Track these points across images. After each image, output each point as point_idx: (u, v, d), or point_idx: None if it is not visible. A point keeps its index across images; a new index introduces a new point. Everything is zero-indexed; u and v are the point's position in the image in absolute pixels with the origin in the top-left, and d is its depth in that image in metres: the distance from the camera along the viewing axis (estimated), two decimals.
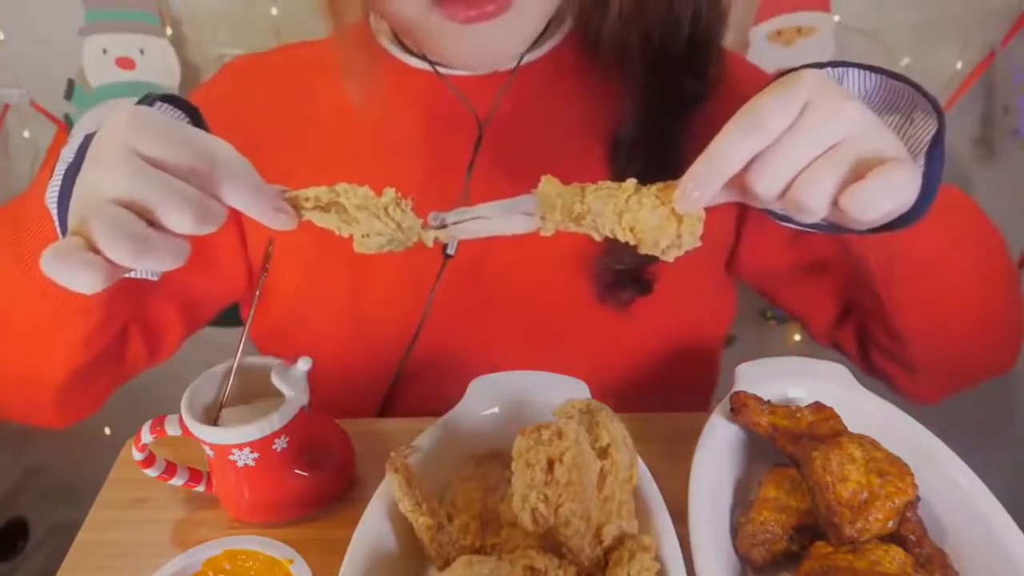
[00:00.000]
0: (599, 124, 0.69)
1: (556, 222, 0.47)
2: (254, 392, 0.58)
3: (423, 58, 0.71)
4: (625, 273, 0.68)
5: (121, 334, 0.69)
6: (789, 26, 1.20)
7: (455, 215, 0.49)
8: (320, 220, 0.47)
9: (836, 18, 1.20)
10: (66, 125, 1.25)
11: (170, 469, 0.58)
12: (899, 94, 0.52)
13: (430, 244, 0.49)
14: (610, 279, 0.68)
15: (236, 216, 0.72)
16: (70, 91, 1.24)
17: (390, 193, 0.47)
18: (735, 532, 0.51)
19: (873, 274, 0.60)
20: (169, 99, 0.52)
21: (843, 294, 0.72)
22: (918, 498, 0.49)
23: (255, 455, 0.54)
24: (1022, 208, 1.27)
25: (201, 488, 0.59)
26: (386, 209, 0.46)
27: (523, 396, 0.58)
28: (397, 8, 0.62)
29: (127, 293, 0.60)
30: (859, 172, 0.42)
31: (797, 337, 1.40)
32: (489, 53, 0.66)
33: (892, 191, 0.42)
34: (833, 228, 0.51)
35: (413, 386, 0.72)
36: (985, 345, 0.68)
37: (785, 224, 0.53)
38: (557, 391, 0.56)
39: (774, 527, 0.50)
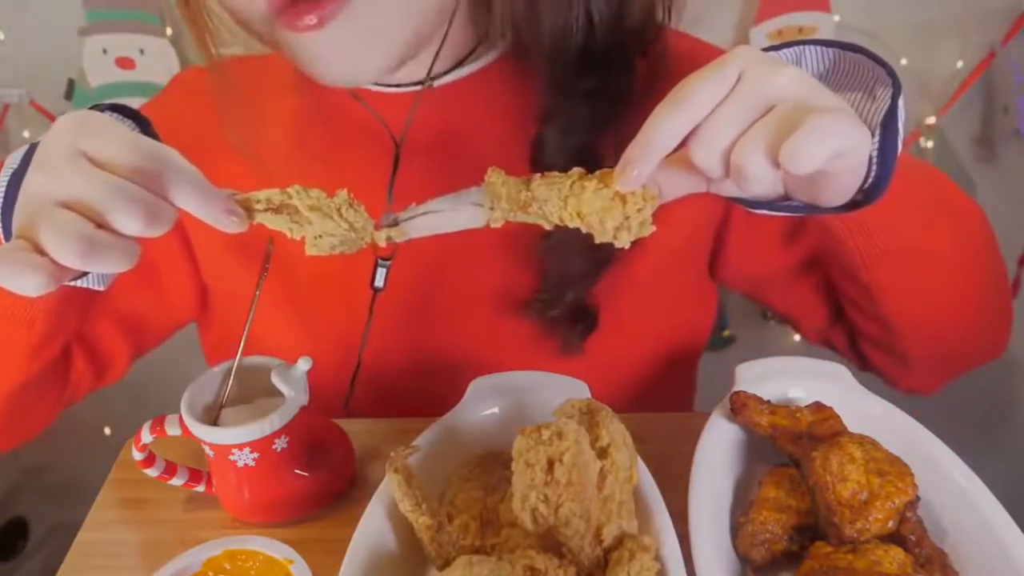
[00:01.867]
0: (525, 144, 0.66)
1: (504, 211, 0.47)
2: (254, 392, 0.58)
3: None
4: (562, 317, 0.66)
5: (65, 354, 0.68)
6: (789, 26, 1.20)
7: (406, 212, 0.48)
8: (271, 222, 0.47)
9: (836, 18, 1.20)
10: None
11: (170, 469, 0.58)
12: (857, 68, 0.50)
13: (383, 243, 0.49)
14: (547, 324, 0.67)
15: (184, 240, 0.72)
16: (70, 91, 1.24)
17: (343, 194, 0.47)
18: (735, 532, 0.51)
19: (853, 257, 0.60)
20: (119, 109, 0.52)
21: (833, 294, 0.72)
22: (918, 498, 0.49)
23: (255, 455, 0.54)
24: (1022, 208, 1.27)
25: (201, 488, 0.59)
26: (339, 210, 0.46)
27: (523, 396, 0.58)
28: (246, 22, 0.59)
29: (72, 305, 0.60)
30: (790, 132, 0.41)
31: (797, 337, 1.40)
32: (340, 63, 0.59)
33: (824, 138, 0.40)
34: (808, 209, 0.51)
35: (362, 411, 0.72)
36: (973, 326, 0.67)
37: (762, 212, 0.52)
38: (557, 391, 0.56)
39: (774, 527, 0.50)
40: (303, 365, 0.56)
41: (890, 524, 0.48)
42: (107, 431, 1.43)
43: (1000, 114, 1.24)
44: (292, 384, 0.55)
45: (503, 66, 0.69)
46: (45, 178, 0.43)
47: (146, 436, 0.56)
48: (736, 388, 0.57)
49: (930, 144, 1.25)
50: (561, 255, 0.65)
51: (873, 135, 0.48)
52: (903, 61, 1.22)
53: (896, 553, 0.46)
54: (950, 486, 0.51)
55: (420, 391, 0.66)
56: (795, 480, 0.52)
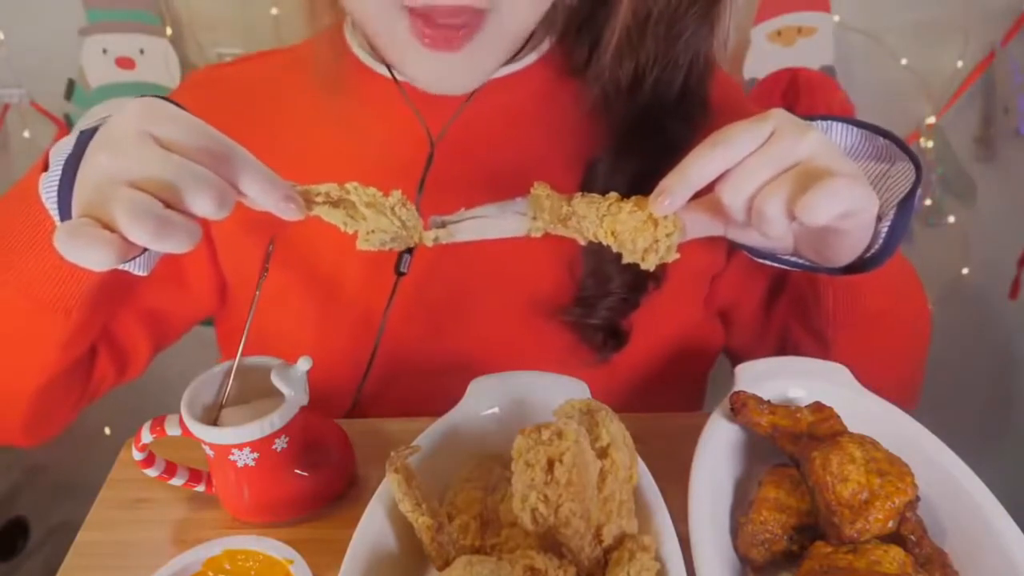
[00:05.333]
0: (563, 152, 0.67)
1: (545, 222, 0.52)
2: (254, 392, 0.58)
3: (385, 64, 0.69)
4: (595, 328, 0.68)
5: (91, 350, 0.68)
6: (789, 26, 1.20)
7: (455, 216, 0.51)
8: (328, 215, 0.49)
9: (836, 18, 1.20)
10: (66, 125, 1.25)
11: (170, 469, 0.58)
12: (882, 148, 0.56)
13: (430, 243, 0.51)
14: (581, 332, 0.69)
15: (206, 233, 0.72)
16: (70, 91, 1.24)
17: (396, 194, 0.49)
18: (735, 532, 0.51)
19: (826, 315, 0.65)
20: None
21: (785, 343, 0.75)
22: (918, 498, 0.49)
23: (255, 455, 0.54)
24: (1022, 208, 1.27)
25: (201, 488, 0.59)
26: (393, 208, 0.49)
27: (523, 396, 0.58)
28: (370, 12, 0.61)
29: (107, 295, 0.60)
30: (807, 188, 0.47)
31: None
32: (449, 82, 0.64)
33: (835, 197, 0.46)
34: (807, 266, 0.58)
35: (371, 409, 0.72)
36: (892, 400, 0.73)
37: (764, 261, 0.59)
38: (557, 391, 0.55)
39: (774, 527, 0.50)
40: (303, 365, 0.56)
41: (890, 524, 0.48)
42: (107, 431, 1.43)
43: (1000, 114, 1.24)
44: (292, 384, 0.55)
45: (546, 69, 0.71)
46: (116, 159, 0.44)
47: (146, 436, 0.56)
48: (736, 388, 0.57)
49: (930, 144, 1.25)
50: (600, 264, 0.67)
51: (888, 212, 0.54)
52: (903, 61, 1.22)
53: (896, 553, 0.46)
54: (950, 486, 0.51)
55: (433, 387, 0.66)
56: (795, 480, 0.52)
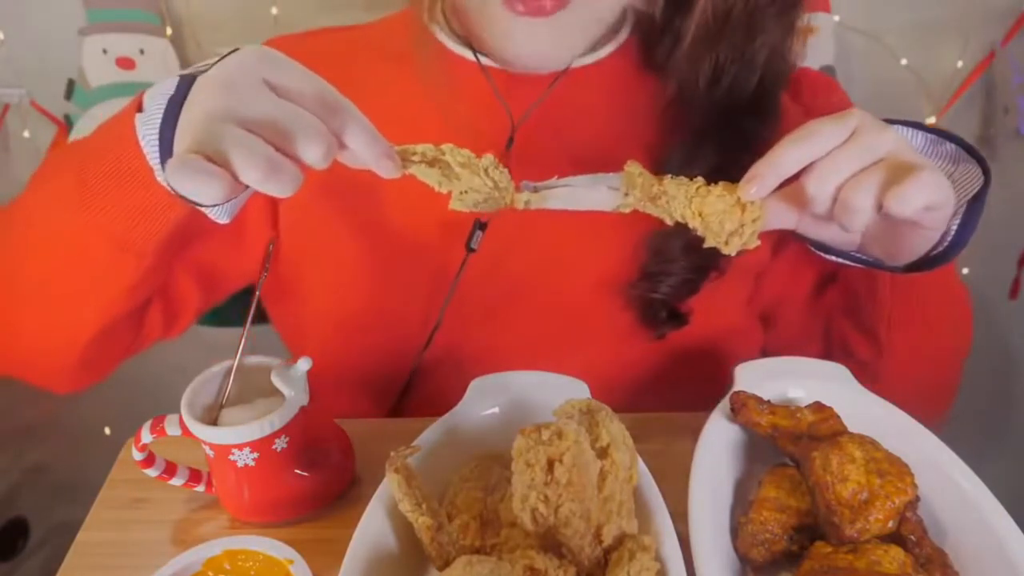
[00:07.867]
0: (636, 144, 0.68)
1: (636, 199, 0.53)
2: (254, 392, 0.58)
3: (470, 47, 0.70)
4: (659, 303, 0.69)
5: (146, 301, 0.69)
6: None
7: (546, 183, 0.53)
8: (424, 174, 0.50)
9: (836, 18, 1.20)
10: (66, 125, 1.25)
11: (170, 469, 0.58)
12: (951, 152, 0.59)
13: (521, 206, 0.53)
14: (644, 307, 0.69)
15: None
16: (70, 91, 1.24)
17: (489, 156, 0.51)
18: (735, 532, 0.51)
19: (882, 314, 0.66)
20: None
21: (829, 342, 0.75)
22: (918, 498, 0.49)
23: (255, 455, 0.54)
24: (1022, 208, 1.27)
25: (201, 488, 0.59)
26: (486, 170, 0.51)
27: (523, 396, 0.58)
28: None
29: (179, 242, 0.62)
30: (896, 180, 0.50)
31: None
32: (539, 52, 0.66)
33: (924, 189, 0.49)
34: (870, 263, 0.61)
35: (427, 384, 0.72)
36: (931, 405, 0.73)
37: (828, 257, 0.61)
38: (557, 391, 0.55)
39: (774, 527, 0.50)
40: (303, 365, 0.56)
41: (890, 524, 0.48)
42: (107, 431, 1.43)
43: (1000, 114, 1.24)
44: (292, 384, 0.55)
45: (624, 61, 0.72)
46: (232, 99, 0.45)
47: (146, 436, 0.56)
48: (736, 388, 0.57)
49: None
50: (664, 243, 0.68)
51: (959, 211, 0.57)
52: (903, 61, 1.22)
53: (896, 553, 0.46)
54: (950, 486, 0.51)
55: (492, 360, 0.66)
56: (795, 480, 0.52)
